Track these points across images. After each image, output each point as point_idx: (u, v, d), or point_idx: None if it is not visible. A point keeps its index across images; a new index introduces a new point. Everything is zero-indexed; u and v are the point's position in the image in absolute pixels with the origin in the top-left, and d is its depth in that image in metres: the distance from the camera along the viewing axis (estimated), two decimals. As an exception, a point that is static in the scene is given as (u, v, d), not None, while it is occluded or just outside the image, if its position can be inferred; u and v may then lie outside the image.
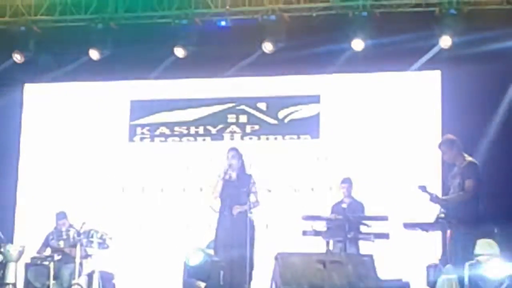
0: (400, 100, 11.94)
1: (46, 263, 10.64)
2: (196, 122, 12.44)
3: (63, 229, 10.98)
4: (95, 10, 12.21)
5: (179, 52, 12.01)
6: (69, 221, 11.16)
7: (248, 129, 12.30)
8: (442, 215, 8.39)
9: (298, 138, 12.16)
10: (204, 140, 12.39)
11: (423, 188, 8.45)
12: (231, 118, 12.35)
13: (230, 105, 12.38)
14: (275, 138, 12.24)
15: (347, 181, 10.71)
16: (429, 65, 11.68)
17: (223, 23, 12.17)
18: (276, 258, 8.33)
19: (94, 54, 12.21)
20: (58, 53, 12.26)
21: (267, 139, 12.24)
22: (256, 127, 12.28)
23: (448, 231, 8.41)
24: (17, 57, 12.44)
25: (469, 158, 8.49)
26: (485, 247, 8.18)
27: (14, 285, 10.51)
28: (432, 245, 10.37)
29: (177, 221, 12.20)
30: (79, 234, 10.51)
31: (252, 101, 12.31)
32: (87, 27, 12.24)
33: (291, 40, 11.75)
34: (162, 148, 12.52)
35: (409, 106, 11.88)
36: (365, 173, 11.50)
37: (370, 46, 11.58)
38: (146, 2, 12.18)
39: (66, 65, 12.44)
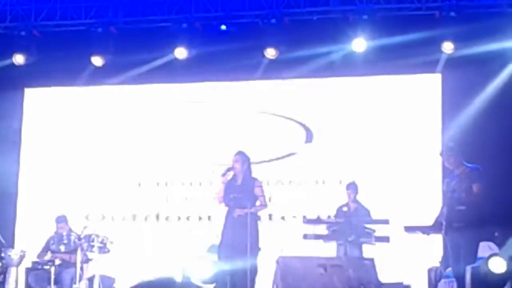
0: (400, 103, 11.94)
1: (47, 267, 10.63)
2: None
3: (64, 233, 10.96)
4: (95, 15, 12.20)
5: (180, 54, 12.01)
6: (69, 225, 11.15)
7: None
8: (444, 217, 8.38)
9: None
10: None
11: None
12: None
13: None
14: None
15: (352, 186, 10.69)
16: (430, 68, 11.69)
17: (223, 27, 12.16)
18: (277, 262, 8.34)
19: (95, 59, 12.22)
20: (58, 57, 12.22)
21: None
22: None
23: (449, 234, 8.40)
24: (18, 62, 12.44)
25: (470, 165, 8.52)
26: (486, 250, 8.18)
27: (15, 289, 10.51)
28: (433, 248, 10.36)
29: (179, 225, 12.20)
30: (79, 238, 10.50)
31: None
32: (87, 31, 12.23)
33: (292, 43, 11.74)
34: (164, 151, 12.51)
35: (410, 110, 11.88)
36: (366, 176, 11.49)
37: (370, 49, 11.58)
38: (146, 6, 12.17)
39: (66, 70, 12.42)
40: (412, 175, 11.54)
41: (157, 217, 12.34)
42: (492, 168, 10.08)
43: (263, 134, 12.23)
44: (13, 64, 12.45)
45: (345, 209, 10.56)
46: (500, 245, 9.09)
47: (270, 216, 11.82)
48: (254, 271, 8.96)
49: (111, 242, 10.60)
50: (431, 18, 11.45)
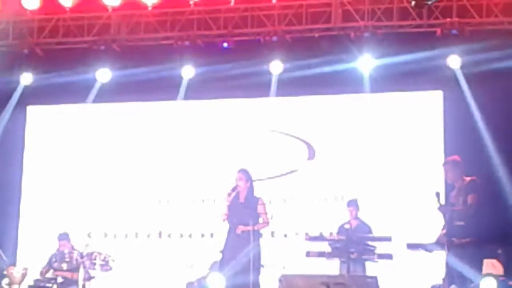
0: (402, 120, 11.95)
1: (49, 285, 10.63)
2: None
3: (66, 251, 10.95)
4: (97, 32, 12.24)
5: (182, 72, 12.05)
6: (71, 243, 11.15)
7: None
8: (446, 234, 8.38)
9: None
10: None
11: (438, 195, 8.50)
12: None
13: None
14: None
15: (353, 204, 10.69)
16: (431, 85, 11.71)
17: (225, 44, 12.19)
18: (280, 280, 8.33)
19: (98, 76, 12.26)
20: (61, 74, 12.25)
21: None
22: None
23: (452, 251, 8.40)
24: (20, 79, 12.48)
25: (469, 178, 8.56)
26: (489, 267, 8.17)
27: (18, 307, 10.48)
28: (435, 265, 10.33)
29: (181, 243, 12.19)
30: (82, 256, 10.47)
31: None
32: (89, 49, 12.26)
33: (293, 61, 11.77)
34: (166, 168, 12.52)
35: (412, 127, 11.89)
36: (368, 193, 11.49)
37: (371, 66, 11.60)
38: (148, 23, 12.20)
39: (68, 87, 12.43)
40: (414, 192, 11.53)
41: (160, 234, 12.33)
42: (493, 184, 10.12)
43: (265, 151, 12.23)
44: (16, 82, 12.49)
45: (347, 226, 10.56)
46: (504, 263, 9.08)
47: (272, 234, 11.80)
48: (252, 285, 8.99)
49: (113, 260, 10.59)
50: (433, 36, 11.47)
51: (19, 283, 10.59)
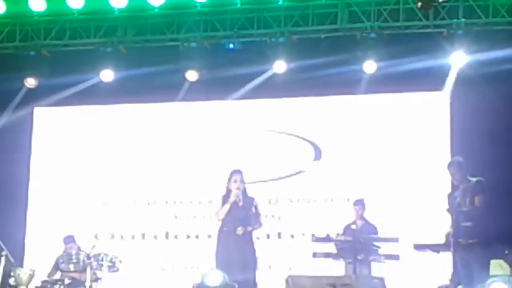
0: (409, 121, 11.95)
1: (56, 286, 10.61)
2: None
3: (73, 252, 10.95)
4: (104, 34, 12.26)
5: (191, 75, 12.07)
6: (77, 245, 11.17)
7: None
8: (454, 235, 8.38)
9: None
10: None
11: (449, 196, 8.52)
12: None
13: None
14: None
15: (359, 203, 10.69)
16: (438, 86, 11.70)
17: (231, 45, 12.21)
18: (286, 281, 8.33)
19: (104, 77, 12.29)
20: (68, 76, 12.28)
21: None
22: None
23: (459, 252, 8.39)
24: (27, 81, 12.52)
25: (474, 179, 8.55)
26: (496, 268, 8.16)
27: (25, 309, 10.50)
28: (442, 266, 10.33)
29: (188, 244, 12.21)
30: (89, 257, 10.47)
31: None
32: (96, 50, 12.29)
33: (300, 62, 11.78)
34: (173, 169, 12.54)
35: (418, 127, 11.89)
36: (375, 194, 11.49)
37: (378, 67, 11.60)
38: (155, 25, 12.22)
39: (75, 89, 12.47)
40: (421, 192, 11.53)
41: (166, 235, 12.35)
42: (500, 184, 10.10)
43: (271, 152, 12.24)
44: (22, 83, 12.52)
45: (353, 227, 10.56)
46: (511, 263, 9.07)
47: (279, 235, 11.83)
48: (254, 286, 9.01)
49: (120, 261, 10.58)
50: (439, 36, 11.47)
51: (26, 285, 10.59)
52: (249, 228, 9.20)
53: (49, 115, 13.15)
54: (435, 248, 8.71)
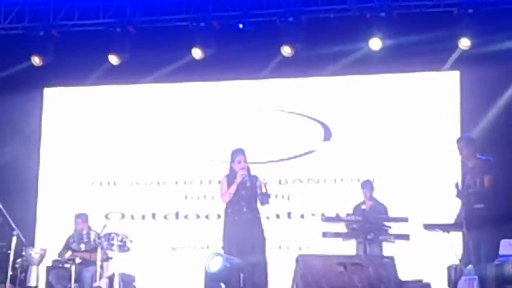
0: (419, 101, 11.93)
1: (67, 266, 10.69)
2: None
3: (84, 232, 11.02)
4: (113, 14, 12.25)
5: (197, 54, 12.05)
6: (89, 224, 11.22)
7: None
8: (464, 215, 8.39)
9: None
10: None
11: (457, 186, 8.50)
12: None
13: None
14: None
15: (366, 185, 10.69)
16: (448, 65, 11.66)
17: (240, 25, 12.18)
18: (297, 260, 8.34)
19: (113, 58, 12.29)
20: (77, 57, 12.29)
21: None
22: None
23: (470, 232, 8.40)
24: (36, 62, 12.53)
25: (483, 157, 8.55)
26: (507, 247, 8.16)
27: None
28: (452, 246, 10.33)
29: (199, 224, 12.25)
30: (99, 237, 10.55)
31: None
32: (105, 31, 12.29)
33: (309, 41, 11.75)
34: (182, 149, 12.55)
35: (428, 107, 11.86)
36: (385, 174, 11.50)
37: (388, 47, 11.58)
38: (163, 5, 12.20)
39: (85, 69, 12.49)
40: (431, 172, 11.53)
41: (177, 215, 12.39)
42: (509, 164, 10.08)
43: (281, 132, 12.24)
44: (32, 64, 12.54)
45: (363, 207, 10.56)
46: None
47: (289, 215, 11.85)
48: (265, 266, 9.00)
49: (131, 241, 10.65)
50: (449, 15, 11.42)
51: (38, 264, 10.67)
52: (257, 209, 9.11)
53: (59, 96, 13.17)
54: (445, 227, 8.71)
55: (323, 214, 10.34)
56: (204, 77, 12.41)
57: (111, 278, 10.43)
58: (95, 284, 10.36)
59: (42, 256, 10.73)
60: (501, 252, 8.06)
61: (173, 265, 12.03)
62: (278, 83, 12.40)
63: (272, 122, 12.34)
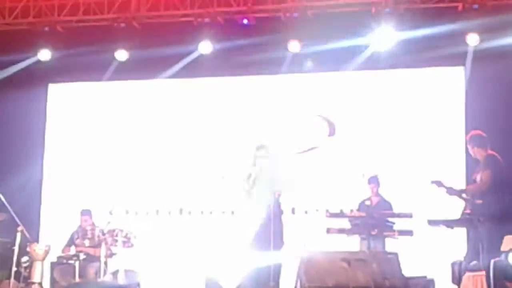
0: (424, 96, 11.90)
1: (71, 262, 10.72)
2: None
3: (88, 228, 11.02)
4: (118, 10, 12.24)
5: (203, 49, 12.04)
6: (93, 220, 11.23)
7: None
8: (468, 212, 8.37)
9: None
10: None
11: (439, 183, 8.50)
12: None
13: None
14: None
15: (374, 180, 10.68)
16: (453, 61, 11.63)
17: (245, 21, 12.16)
18: (301, 256, 8.33)
19: (118, 54, 12.28)
20: (82, 52, 12.27)
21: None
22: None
23: (474, 228, 8.38)
24: (41, 57, 12.53)
25: (489, 152, 8.53)
26: (510, 243, 8.14)
27: (40, 284, 10.58)
28: (456, 241, 10.33)
29: (202, 220, 12.24)
30: (103, 233, 10.55)
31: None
32: (110, 26, 12.28)
33: (314, 37, 11.72)
34: (187, 145, 12.55)
35: (433, 103, 11.84)
36: (389, 170, 11.47)
37: (393, 42, 11.54)
38: (168, 0, 12.18)
39: (89, 65, 12.47)
40: (435, 168, 11.48)
41: (180, 211, 12.39)
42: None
43: (285, 128, 12.21)
44: (37, 60, 12.55)
45: (367, 203, 10.58)
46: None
47: (293, 210, 11.83)
48: (278, 265, 8.96)
49: (135, 237, 10.65)
50: (454, 11, 11.39)
51: (42, 260, 10.69)
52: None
53: (64, 91, 13.18)
54: (449, 223, 8.69)
55: (327, 210, 10.29)
56: (208, 73, 12.39)
57: (115, 274, 10.43)
58: (99, 280, 10.35)
59: (47, 252, 10.76)
60: (503, 248, 8.04)
61: (177, 261, 12.02)
62: (283, 78, 12.37)
63: (276, 118, 12.31)
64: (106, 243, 10.45)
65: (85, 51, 12.20)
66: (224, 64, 12.10)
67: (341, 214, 9.68)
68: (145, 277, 11.17)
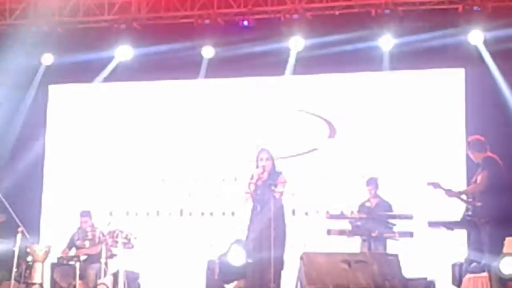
0: (424, 98, 11.90)
1: (72, 263, 10.72)
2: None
3: (88, 229, 11.02)
4: (118, 11, 12.25)
5: (203, 51, 12.05)
6: (93, 221, 11.24)
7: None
8: (469, 214, 8.39)
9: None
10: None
11: (436, 185, 8.51)
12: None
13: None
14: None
15: (372, 182, 10.68)
16: (453, 62, 11.64)
17: (245, 22, 12.17)
18: (301, 258, 8.35)
19: (118, 55, 12.29)
20: (82, 54, 12.29)
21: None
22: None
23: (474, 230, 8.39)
24: (41, 59, 12.53)
25: (488, 154, 8.54)
26: (511, 246, 8.15)
27: (41, 285, 10.56)
28: (457, 243, 10.34)
29: (202, 221, 12.25)
30: (104, 234, 10.55)
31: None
32: (110, 27, 12.29)
33: (314, 39, 11.73)
34: (187, 147, 12.56)
35: (433, 104, 11.84)
36: (390, 171, 11.47)
37: (393, 44, 11.55)
38: (168, 2, 12.19)
39: (89, 66, 12.48)
40: (435, 169, 11.49)
41: (181, 212, 12.40)
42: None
43: (285, 129, 12.23)
44: (37, 61, 12.54)
45: (368, 204, 10.57)
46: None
47: (293, 212, 11.82)
48: (281, 265, 8.96)
49: (135, 238, 10.63)
50: (454, 12, 11.40)
51: (42, 261, 10.67)
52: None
53: (65, 92, 13.18)
54: (449, 225, 8.71)
55: (327, 212, 10.29)
56: (208, 75, 12.39)
57: (115, 275, 10.42)
58: (99, 281, 10.36)
59: (47, 253, 10.74)
60: (505, 250, 8.05)
61: (177, 262, 12.02)
62: (283, 80, 12.37)
63: (276, 119, 12.32)
64: (106, 244, 10.44)
65: (85, 52, 12.21)
66: (224, 66, 12.10)
67: (341, 216, 9.68)
68: (146, 278, 11.18)
